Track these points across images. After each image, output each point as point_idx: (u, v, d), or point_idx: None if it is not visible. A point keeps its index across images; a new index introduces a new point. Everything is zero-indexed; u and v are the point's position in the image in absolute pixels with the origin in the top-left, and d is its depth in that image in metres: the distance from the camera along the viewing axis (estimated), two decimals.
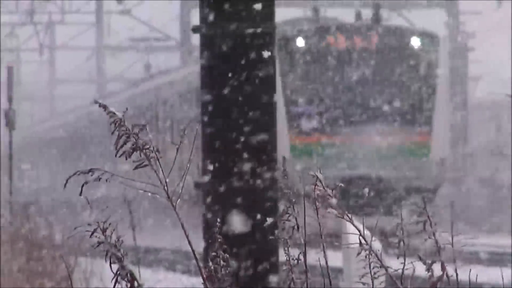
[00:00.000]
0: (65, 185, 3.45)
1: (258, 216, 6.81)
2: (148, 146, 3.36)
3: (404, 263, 3.98)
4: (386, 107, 26.90)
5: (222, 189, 7.10)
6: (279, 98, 23.54)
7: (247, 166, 7.44)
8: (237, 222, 6.56)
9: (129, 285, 3.33)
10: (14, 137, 31.66)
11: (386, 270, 3.99)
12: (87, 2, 77.17)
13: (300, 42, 25.72)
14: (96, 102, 3.41)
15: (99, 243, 3.32)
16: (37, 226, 18.66)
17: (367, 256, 3.96)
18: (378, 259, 4.00)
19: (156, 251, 36.35)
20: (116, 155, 3.34)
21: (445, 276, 3.88)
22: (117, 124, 3.38)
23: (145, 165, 3.40)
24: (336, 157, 25.58)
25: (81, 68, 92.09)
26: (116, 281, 3.30)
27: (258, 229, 6.41)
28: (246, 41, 6.73)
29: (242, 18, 6.78)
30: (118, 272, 3.28)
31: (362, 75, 26.47)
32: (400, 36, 28.80)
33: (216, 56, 6.82)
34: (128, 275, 3.29)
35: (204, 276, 3.64)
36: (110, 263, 3.31)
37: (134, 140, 3.35)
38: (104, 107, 3.50)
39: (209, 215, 6.65)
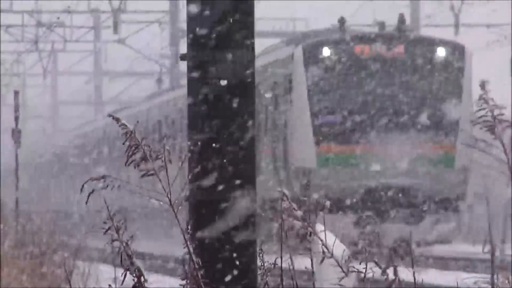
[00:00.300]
0: (81, 190, 3.47)
1: (236, 223, 6.61)
2: (158, 156, 3.48)
3: (366, 267, 4.02)
4: (412, 117, 25.51)
5: (201, 196, 6.95)
6: (303, 109, 23.22)
7: (224, 174, 7.17)
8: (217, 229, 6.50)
9: (136, 279, 3.43)
10: (20, 153, 32.43)
11: (346, 274, 4.07)
12: (86, 31, 77.70)
13: (326, 52, 24.38)
14: (110, 115, 3.48)
15: (113, 240, 3.37)
16: (41, 233, 18.64)
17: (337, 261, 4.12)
18: (338, 264, 4.06)
19: (155, 257, 36.03)
20: (126, 164, 3.40)
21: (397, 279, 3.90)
22: (128, 135, 3.44)
23: (152, 174, 3.51)
24: (362, 167, 24.09)
25: (81, 91, 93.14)
26: (125, 275, 3.37)
27: (236, 236, 6.19)
28: (227, 67, 6.69)
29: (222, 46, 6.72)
30: (127, 268, 3.36)
31: (388, 85, 25.20)
32: (426, 46, 27.05)
33: (200, 80, 6.77)
34: (136, 270, 3.37)
35: (183, 277, 3.70)
36: (121, 259, 3.41)
37: (143, 151, 3.44)
38: (117, 120, 3.59)
39: (191, 221, 6.51)
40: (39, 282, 13.09)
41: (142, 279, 3.53)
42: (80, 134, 69.96)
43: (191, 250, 3.77)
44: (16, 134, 30.55)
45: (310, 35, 25.96)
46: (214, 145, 5.44)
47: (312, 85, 23.33)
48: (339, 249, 4.44)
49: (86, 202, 3.52)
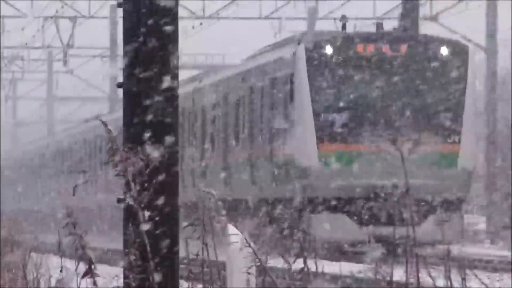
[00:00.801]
0: (73, 191, 3.92)
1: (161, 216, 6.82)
2: (130, 160, 3.65)
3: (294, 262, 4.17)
4: (414, 117, 22.38)
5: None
6: (305, 107, 20.35)
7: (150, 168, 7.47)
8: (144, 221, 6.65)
9: (87, 267, 3.70)
10: None
11: (250, 267, 4.48)
12: (41, 63, 78.56)
13: (329, 49, 21.13)
14: (98, 118, 3.89)
15: (70, 233, 3.55)
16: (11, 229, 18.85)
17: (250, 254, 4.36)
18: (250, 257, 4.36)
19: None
20: (108, 162, 3.69)
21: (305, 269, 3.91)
22: (111, 140, 3.69)
23: (123, 175, 3.76)
24: (365, 166, 21.12)
25: (36, 113, 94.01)
26: (79, 261, 3.87)
27: (161, 228, 6.42)
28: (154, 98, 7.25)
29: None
30: (81, 256, 3.65)
31: (390, 84, 22.12)
32: (430, 45, 23.51)
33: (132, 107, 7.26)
34: (88, 259, 3.70)
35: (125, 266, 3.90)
36: (76, 250, 3.65)
37: (121, 155, 3.67)
38: (105, 124, 3.74)
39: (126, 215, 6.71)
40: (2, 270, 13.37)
41: (93, 266, 3.68)
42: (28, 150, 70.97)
43: (127, 243, 3.97)
44: None
45: (311, 35, 22.90)
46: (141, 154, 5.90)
47: (314, 83, 20.65)
48: (240, 243, 5.04)
49: (73, 194, 3.98)
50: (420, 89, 22.49)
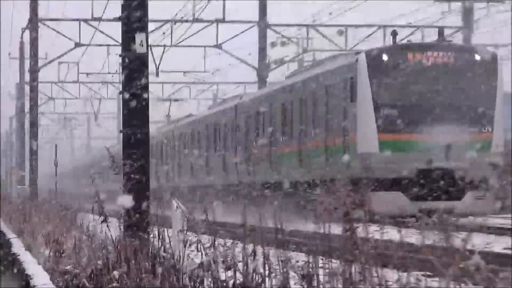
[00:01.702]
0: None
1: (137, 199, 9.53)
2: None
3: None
4: (458, 112, 25.23)
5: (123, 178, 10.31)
6: (367, 104, 23.86)
7: (129, 161, 10.26)
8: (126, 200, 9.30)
9: (103, 218, 7.59)
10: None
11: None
12: None
13: (385, 57, 24.63)
14: (106, 148, 7.90)
15: (96, 201, 7.60)
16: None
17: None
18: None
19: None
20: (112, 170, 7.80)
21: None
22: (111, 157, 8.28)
23: (117, 173, 8.00)
24: (416, 151, 23.79)
25: None
26: (100, 216, 7.56)
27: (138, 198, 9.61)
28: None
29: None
30: (101, 213, 7.52)
31: (438, 86, 24.96)
32: (466, 53, 26.57)
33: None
34: (105, 216, 7.58)
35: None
36: (99, 211, 7.54)
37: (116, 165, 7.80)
38: (108, 149, 8.31)
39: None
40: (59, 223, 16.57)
41: (107, 219, 7.53)
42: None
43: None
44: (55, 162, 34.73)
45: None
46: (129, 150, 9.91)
47: (374, 84, 24.17)
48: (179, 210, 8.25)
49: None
50: (463, 90, 25.31)
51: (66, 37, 29.92)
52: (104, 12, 29.48)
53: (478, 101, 25.19)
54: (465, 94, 24.98)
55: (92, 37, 30.11)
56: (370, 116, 23.51)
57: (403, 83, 23.90)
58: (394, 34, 27.11)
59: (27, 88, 29.91)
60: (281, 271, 4.67)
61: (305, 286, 4.41)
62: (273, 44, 38.03)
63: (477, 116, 24.97)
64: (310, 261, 4.53)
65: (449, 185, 23.28)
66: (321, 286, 4.40)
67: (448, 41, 29.26)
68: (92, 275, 6.42)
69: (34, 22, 25.62)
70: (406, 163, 23.04)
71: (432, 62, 24.95)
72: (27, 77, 28.63)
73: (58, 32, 30.13)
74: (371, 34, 40.79)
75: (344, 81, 25.09)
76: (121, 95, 10.30)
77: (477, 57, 25.79)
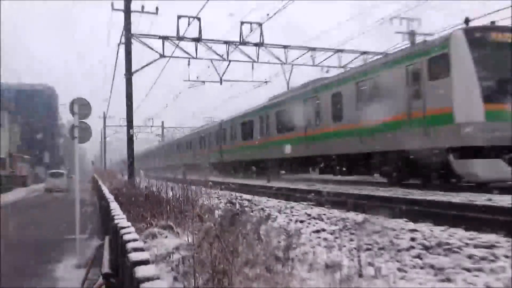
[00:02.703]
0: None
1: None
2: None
3: None
4: None
5: None
6: (471, 76, 23.52)
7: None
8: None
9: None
10: None
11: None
12: None
13: (480, 34, 24.63)
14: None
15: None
16: None
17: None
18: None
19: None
20: None
21: None
22: None
23: None
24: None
25: None
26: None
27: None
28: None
29: None
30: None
31: None
32: None
33: None
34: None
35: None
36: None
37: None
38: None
39: None
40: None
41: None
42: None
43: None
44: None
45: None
46: None
47: (475, 57, 24.09)
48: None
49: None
50: None
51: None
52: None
53: None
54: None
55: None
56: (475, 87, 23.56)
57: (499, 57, 24.06)
58: (467, 21, 27.42)
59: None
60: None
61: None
62: None
63: None
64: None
65: None
66: None
67: None
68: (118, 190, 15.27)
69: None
70: (506, 131, 23.15)
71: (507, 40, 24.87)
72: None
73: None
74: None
75: (443, 56, 25.11)
76: None
77: None
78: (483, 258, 9.01)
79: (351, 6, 69.39)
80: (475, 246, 10.34)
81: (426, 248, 10.52)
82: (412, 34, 42.67)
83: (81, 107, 18.27)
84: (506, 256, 9.29)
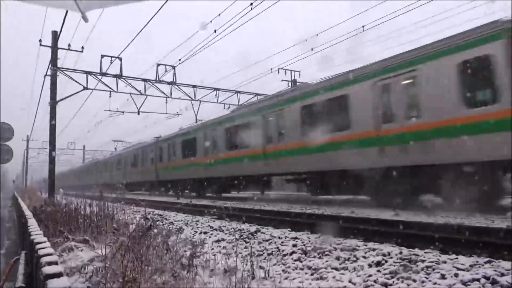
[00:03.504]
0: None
1: None
2: None
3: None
4: None
5: None
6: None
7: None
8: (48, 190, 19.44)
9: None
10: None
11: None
12: None
13: None
14: None
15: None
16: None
17: None
18: None
19: None
20: None
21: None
22: None
23: None
24: None
25: None
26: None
27: None
28: None
29: None
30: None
31: None
32: None
33: None
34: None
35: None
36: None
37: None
38: None
39: None
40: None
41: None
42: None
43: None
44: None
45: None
46: None
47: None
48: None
49: None
50: None
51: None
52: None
53: None
54: None
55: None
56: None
57: None
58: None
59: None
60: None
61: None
62: None
63: None
64: None
65: None
66: None
67: None
68: (36, 208, 15.71)
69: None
70: None
71: None
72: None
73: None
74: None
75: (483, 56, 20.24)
76: None
77: None
78: None
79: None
80: None
81: (304, 252, 11.36)
82: (294, 82, 46.60)
83: (4, 130, 18.79)
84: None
